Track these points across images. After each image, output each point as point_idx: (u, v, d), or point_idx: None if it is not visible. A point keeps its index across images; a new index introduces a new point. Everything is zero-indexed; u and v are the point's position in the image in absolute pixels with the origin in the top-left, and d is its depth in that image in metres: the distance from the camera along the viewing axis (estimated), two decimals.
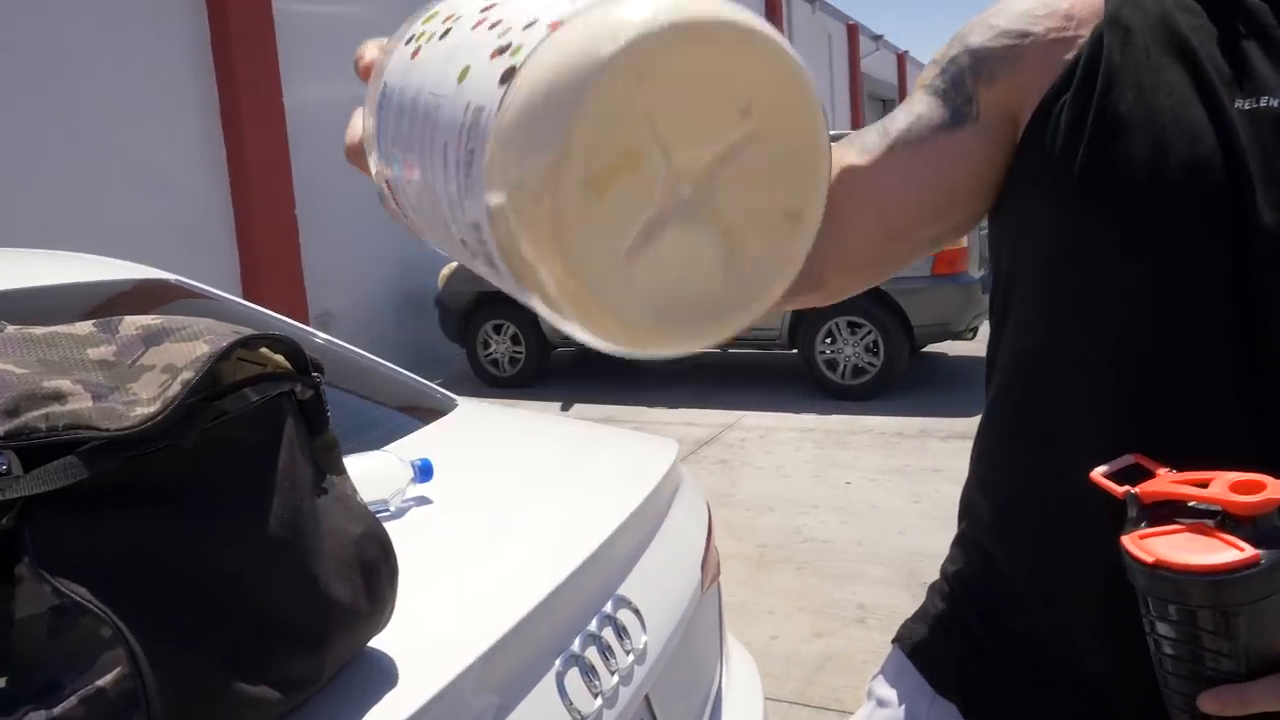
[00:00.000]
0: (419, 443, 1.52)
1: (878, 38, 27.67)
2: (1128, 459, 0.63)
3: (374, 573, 0.81)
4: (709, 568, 1.40)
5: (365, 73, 0.52)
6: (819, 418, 5.73)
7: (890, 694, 0.83)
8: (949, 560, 0.85)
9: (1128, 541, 0.57)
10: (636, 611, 1.14)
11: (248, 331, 0.78)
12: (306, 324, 7.58)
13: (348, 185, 8.12)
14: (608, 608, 1.11)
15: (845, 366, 6.09)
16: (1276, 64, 0.65)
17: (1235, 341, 0.63)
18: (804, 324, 6.10)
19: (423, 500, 1.23)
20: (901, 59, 31.72)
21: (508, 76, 0.35)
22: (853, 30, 24.93)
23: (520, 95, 0.34)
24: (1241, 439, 0.63)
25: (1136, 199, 0.65)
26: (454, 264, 7.79)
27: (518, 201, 0.35)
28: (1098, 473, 0.62)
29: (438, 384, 1.91)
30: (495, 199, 0.35)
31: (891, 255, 0.76)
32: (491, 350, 7.57)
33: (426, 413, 1.70)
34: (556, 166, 0.34)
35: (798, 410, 5.90)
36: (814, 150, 0.40)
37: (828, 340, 6.08)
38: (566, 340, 7.34)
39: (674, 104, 0.35)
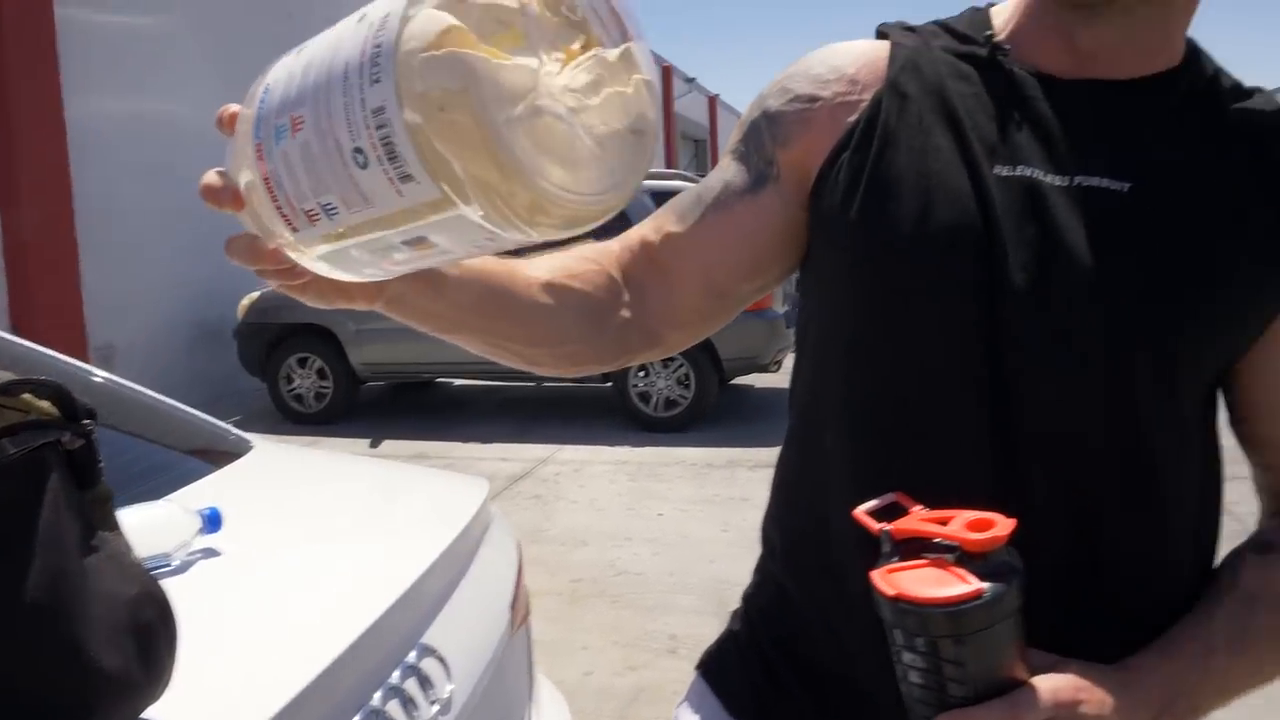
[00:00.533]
0: (210, 489, 1.43)
1: (691, 80, 28.68)
2: (890, 497, 0.67)
3: (150, 637, 0.75)
4: (519, 608, 1.39)
5: (230, 121, 0.56)
6: (633, 450, 5.81)
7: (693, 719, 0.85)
8: (748, 587, 0.89)
9: (875, 576, 0.61)
10: (441, 660, 1.11)
11: (7, 376, 0.71)
12: (85, 359, 7.02)
13: (139, 205, 7.60)
14: (411, 657, 1.07)
15: (658, 399, 6.22)
16: (1035, 134, 0.70)
17: (985, 391, 0.68)
18: None
19: (210, 552, 1.16)
20: (713, 101, 33.05)
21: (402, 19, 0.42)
22: (667, 72, 25.74)
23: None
24: (988, 482, 0.68)
25: (902, 255, 0.70)
26: (255, 294, 7.42)
27: (429, 68, 0.40)
28: (860, 510, 0.66)
29: (235, 421, 1.81)
30: (406, 63, 0.41)
31: (718, 310, 0.82)
32: (295, 385, 7.22)
33: (219, 456, 1.60)
34: (455, 33, 0.40)
35: (612, 443, 5.96)
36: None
37: (641, 373, 6.20)
38: (376, 374, 7.12)
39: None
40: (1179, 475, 0.71)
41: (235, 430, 1.71)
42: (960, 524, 0.61)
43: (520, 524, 4.54)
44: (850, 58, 0.77)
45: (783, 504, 0.83)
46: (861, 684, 0.75)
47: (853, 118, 0.74)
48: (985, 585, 0.58)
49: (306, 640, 0.97)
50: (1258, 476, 0.78)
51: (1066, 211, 0.68)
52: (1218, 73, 0.75)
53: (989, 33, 0.75)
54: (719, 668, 0.87)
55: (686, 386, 6.17)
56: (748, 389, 7.39)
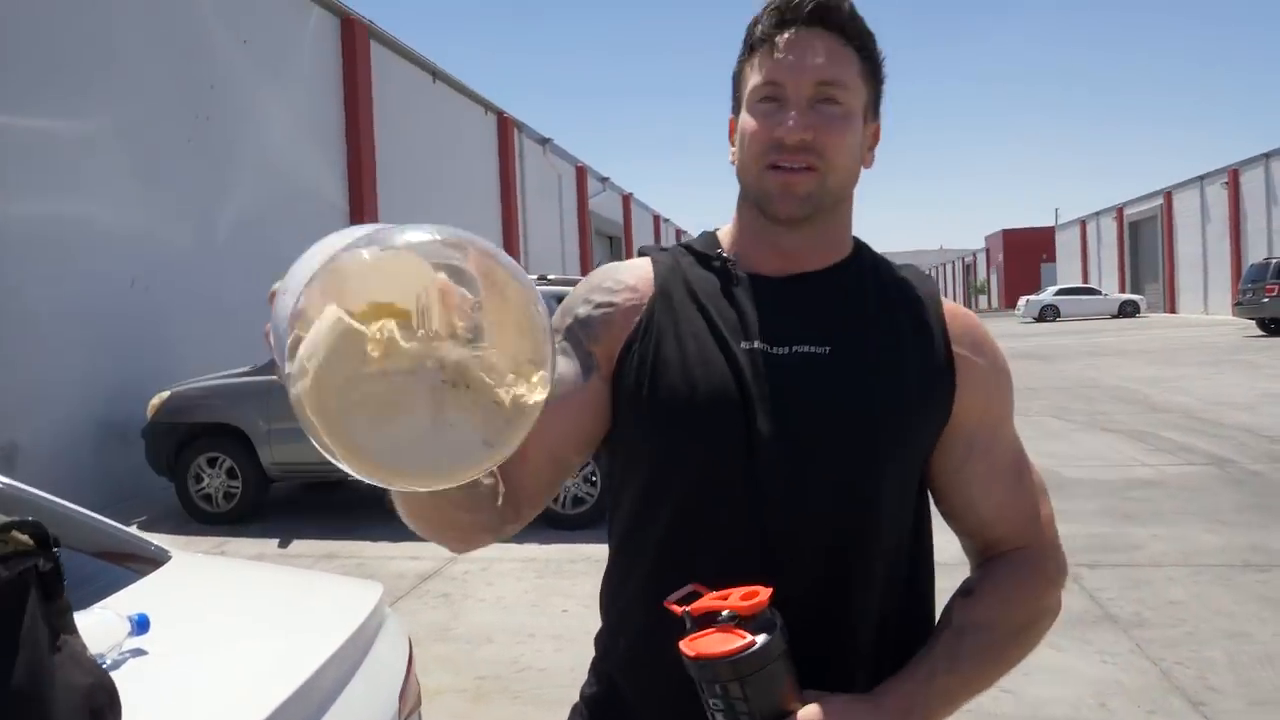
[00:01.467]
0: (136, 596, 1.62)
1: (604, 179, 29.52)
2: (689, 588, 0.90)
3: (101, 717, 0.97)
4: (407, 700, 1.60)
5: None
6: (540, 547, 5.97)
7: None
8: (585, 686, 1.12)
9: (681, 644, 0.84)
10: None
11: (2, 518, 0.94)
12: None
13: (48, 305, 7.61)
14: None
15: (565, 496, 6.41)
16: (761, 318, 0.99)
17: (748, 506, 0.95)
18: None
19: (139, 652, 1.35)
20: (627, 200, 33.94)
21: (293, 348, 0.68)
22: (581, 172, 26.52)
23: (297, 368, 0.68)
24: (756, 568, 0.93)
25: (676, 418, 0.97)
26: (165, 393, 7.43)
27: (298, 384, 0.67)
28: (669, 600, 0.89)
29: (141, 522, 1.99)
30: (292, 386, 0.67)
31: (558, 477, 1.04)
32: (204, 485, 7.20)
33: (143, 564, 1.79)
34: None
35: (520, 540, 6.10)
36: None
37: None
38: (287, 473, 7.15)
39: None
40: (895, 545, 1.00)
41: (155, 542, 1.89)
42: (736, 597, 0.85)
43: (428, 623, 4.65)
44: (629, 272, 1.06)
45: (611, 615, 1.08)
46: None
47: (638, 317, 1.02)
48: (756, 637, 0.82)
49: None
50: (962, 542, 1.08)
51: (790, 372, 0.97)
52: (876, 257, 1.08)
53: (719, 250, 1.06)
54: None
55: (593, 484, 6.39)
56: None
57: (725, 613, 0.84)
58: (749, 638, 0.82)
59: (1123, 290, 43.47)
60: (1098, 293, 40.96)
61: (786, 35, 0.98)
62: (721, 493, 0.97)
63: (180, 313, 9.21)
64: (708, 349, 0.98)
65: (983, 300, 72.45)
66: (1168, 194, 39.61)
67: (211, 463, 7.19)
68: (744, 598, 0.84)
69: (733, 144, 1.04)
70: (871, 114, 1.03)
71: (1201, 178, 36.67)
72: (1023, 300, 41.69)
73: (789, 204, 0.98)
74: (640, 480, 1.02)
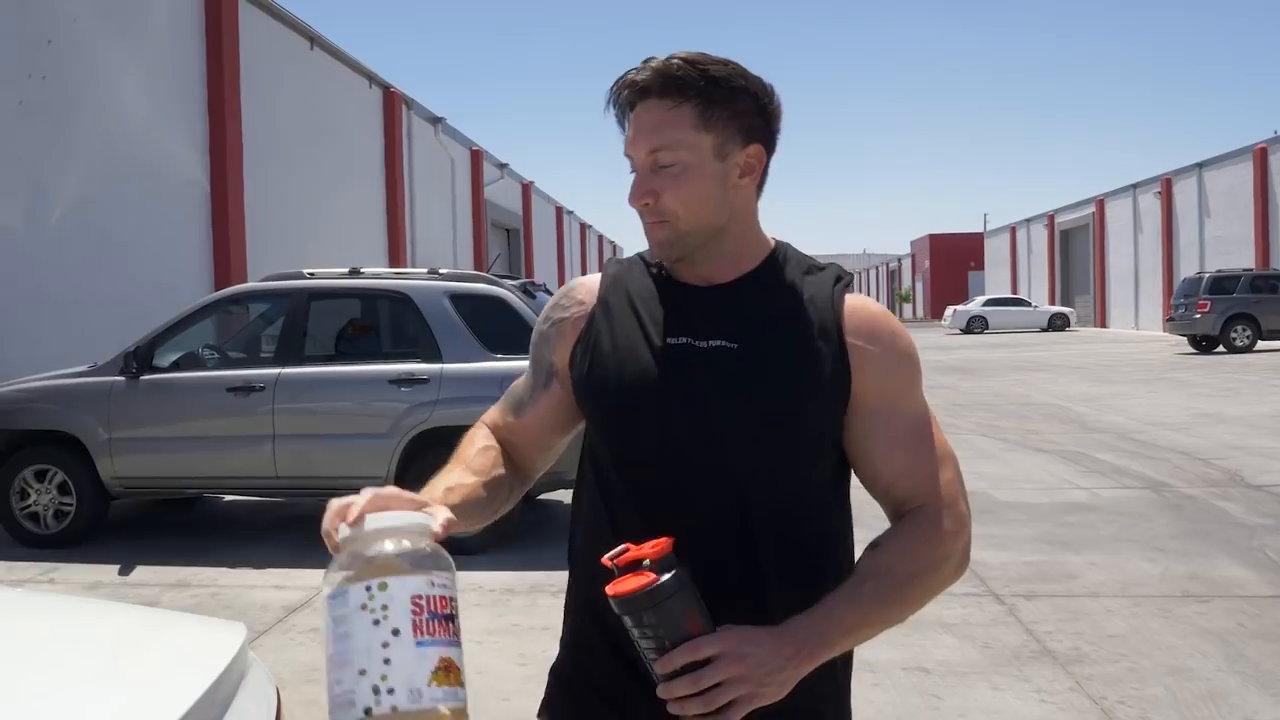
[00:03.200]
0: None
1: (503, 165, 29.32)
2: (624, 546, 1.14)
3: None
4: None
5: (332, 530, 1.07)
6: None
7: None
8: (563, 634, 1.43)
9: (608, 589, 1.11)
10: None
11: None
12: None
13: None
14: None
15: None
16: (687, 319, 1.30)
17: (669, 476, 1.26)
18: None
19: None
20: (527, 188, 33.76)
21: (367, 712, 0.94)
22: (477, 156, 26.25)
23: None
24: (683, 528, 1.18)
25: (605, 399, 1.31)
26: None
27: None
28: (605, 557, 1.13)
29: None
30: None
31: (551, 456, 1.47)
32: (30, 502, 6.79)
33: None
34: None
35: None
36: None
37: None
38: (130, 488, 6.81)
39: None
40: (813, 512, 1.31)
41: None
42: (648, 547, 1.12)
43: (295, 661, 4.45)
44: (580, 286, 1.42)
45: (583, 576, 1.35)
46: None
47: (583, 324, 1.37)
48: (660, 576, 1.09)
49: None
50: (881, 505, 1.34)
51: (708, 362, 1.28)
52: (794, 260, 1.36)
53: (659, 261, 1.36)
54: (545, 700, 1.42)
55: None
56: (556, 505, 7.54)
57: (640, 562, 1.11)
58: (654, 576, 1.09)
59: (1053, 302, 45.31)
60: (1027, 304, 42.58)
61: (630, 114, 1.27)
62: (652, 466, 1.27)
63: (5, 303, 8.71)
64: (636, 344, 1.31)
65: (907, 309, 74.55)
66: (1100, 201, 41.48)
67: (40, 476, 6.80)
68: (652, 547, 1.11)
69: None
70: (735, 143, 1.26)
71: (1134, 186, 38.51)
72: (950, 310, 43.07)
73: (660, 250, 1.30)
74: (586, 455, 1.38)
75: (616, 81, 1.27)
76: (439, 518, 1.05)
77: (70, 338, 8.89)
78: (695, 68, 1.22)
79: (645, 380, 1.27)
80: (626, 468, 1.29)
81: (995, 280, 57.18)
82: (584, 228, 49.51)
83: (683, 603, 1.09)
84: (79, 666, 1.46)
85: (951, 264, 65.70)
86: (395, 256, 19.37)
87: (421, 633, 0.96)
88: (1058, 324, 40.09)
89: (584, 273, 1.57)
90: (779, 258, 1.35)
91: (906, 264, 77.96)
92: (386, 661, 0.94)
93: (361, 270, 7.25)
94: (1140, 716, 3.62)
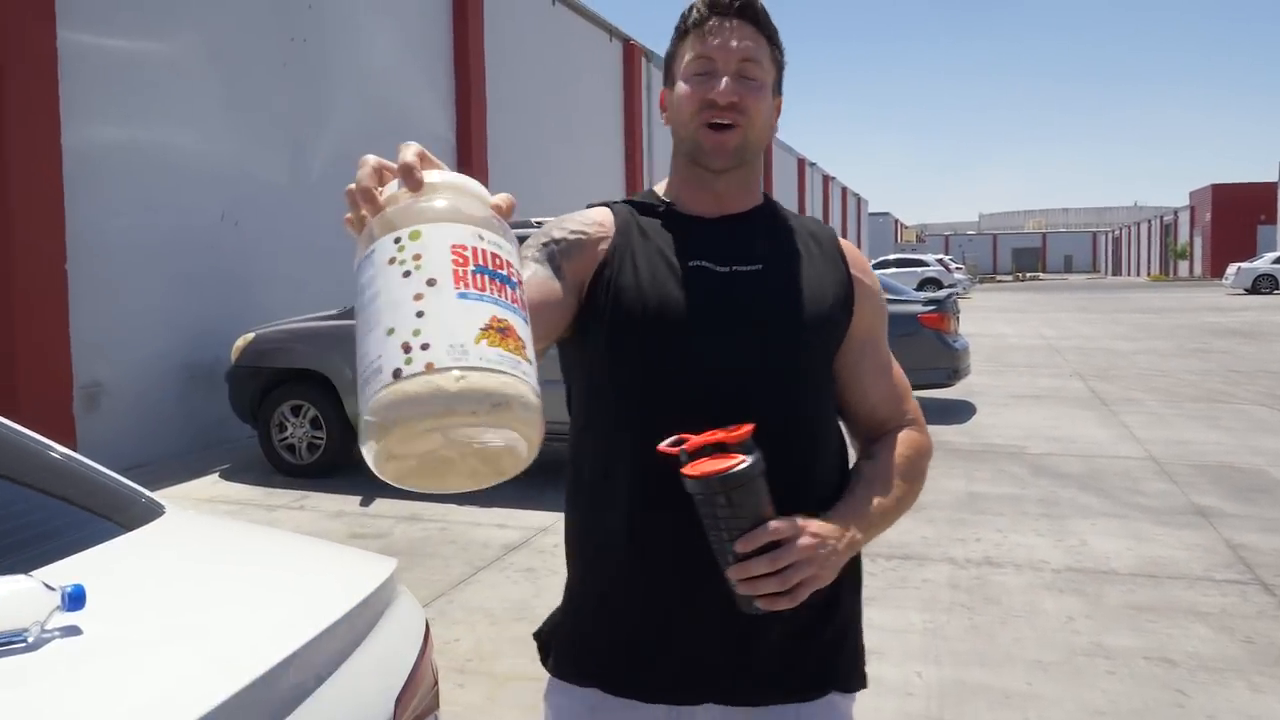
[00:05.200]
0: (101, 559, 1.51)
1: None
2: (675, 438, 1.15)
3: None
4: (407, 702, 1.43)
5: (358, 197, 0.85)
6: None
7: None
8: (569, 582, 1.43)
9: (685, 470, 1.12)
10: None
11: None
12: (69, 396, 7.21)
13: (132, 239, 7.87)
14: None
15: None
16: (703, 246, 1.35)
17: (703, 383, 1.29)
18: None
19: (71, 630, 1.22)
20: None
21: (396, 374, 0.72)
22: None
23: (391, 391, 0.72)
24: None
25: (638, 321, 1.31)
26: (250, 335, 7.60)
27: (371, 428, 0.73)
28: (662, 445, 1.16)
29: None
30: (367, 417, 0.74)
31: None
32: (287, 434, 7.35)
33: (126, 520, 1.68)
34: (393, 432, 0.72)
35: None
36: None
37: None
38: None
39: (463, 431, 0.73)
40: (824, 420, 1.39)
41: (147, 493, 1.79)
42: (723, 433, 1.13)
43: (506, 598, 4.57)
44: (597, 214, 1.40)
45: (590, 509, 1.39)
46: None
47: (604, 246, 1.36)
48: (744, 457, 1.11)
49: None
50: (852, 432, 1.45)
51: (729, 285, 1.34)
52: (779, 205, 1.48)
53: (660, 198, 1.43)
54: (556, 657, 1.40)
55: None
56: None
57: (712, 445, 1.13)
58: (739, 457, 1.11)
59: None
60: None
61: (714, 22, 1.33)
62: (673, 386, 1.29)
63: (271, 250, 9.43)
64: (659, 271, 1.33)
65: (1183, 266, 68.38)
66: None
67: (296, 411, 7.32)
68: (727, 433, 1.13)
69: (664, 110, 1.42)
70: (776, 90, 1.39)
71: None
72: (1232, 268, 38.90)
73: (722, 157, 1.34)
74: (604, 376, 1.35)
75: None
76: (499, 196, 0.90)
77: (329, 284, 9.52)
78: (769, 17, 1.37)
79: (670, 303, 1.31)
80: (671, 391, 1.29)
81: None
82: (827, 180, 48.43)
83: (761, 488, 1.13)
84: (219, 591, 1.48)
85: (1237, 217, 59.48)
86: None
87: (465, 284, 0.75)
88: None
89: None
90: (772, 199, 1.48)
91: (1184, 217, 71.35)
92: (420, 315, 0.74)
93: None
94: None
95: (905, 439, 1.43)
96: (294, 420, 7.34)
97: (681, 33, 1.38)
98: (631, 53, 19.86)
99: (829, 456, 1.39)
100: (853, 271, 1.43)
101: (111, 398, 7.71)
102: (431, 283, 0.75)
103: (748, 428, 1.13)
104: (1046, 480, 6.80)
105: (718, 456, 1.12)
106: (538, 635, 1.45)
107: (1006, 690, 3.48)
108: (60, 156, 7.17)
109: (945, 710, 3.33)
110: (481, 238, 0.79)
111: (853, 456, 1.47)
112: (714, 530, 1.13)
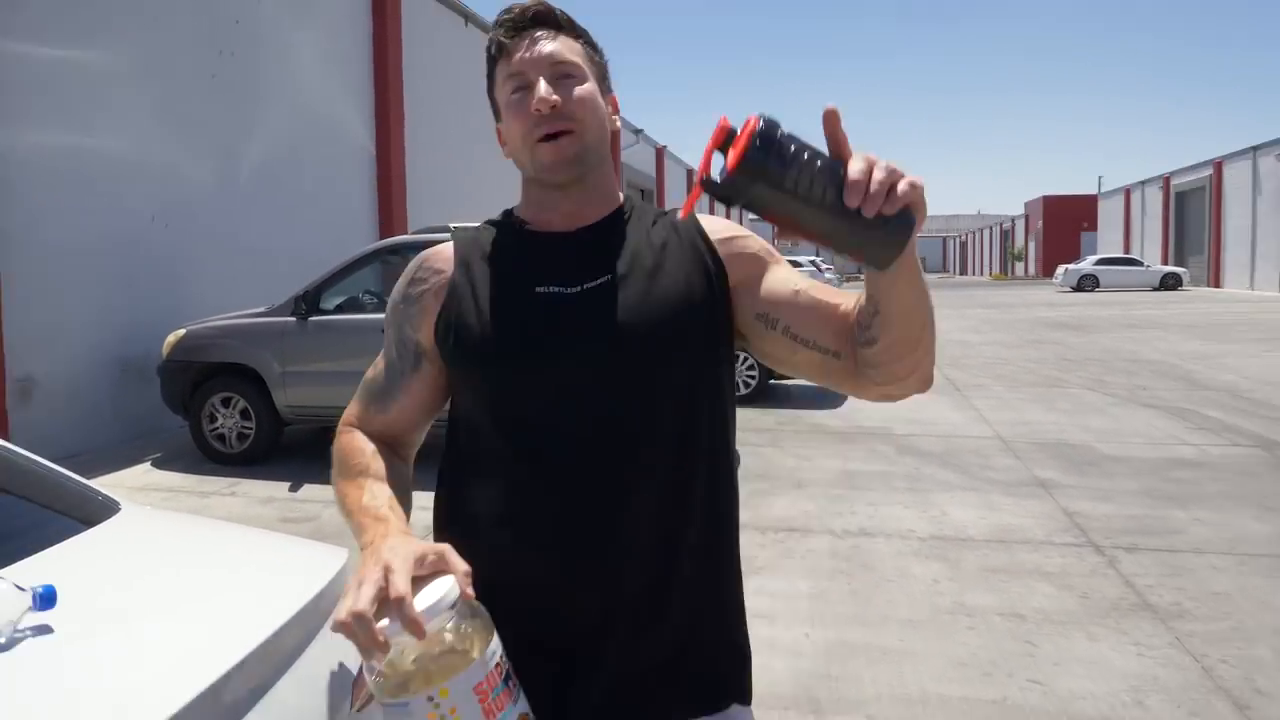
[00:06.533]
0: (62, 557, 1.43)
1: (638, 131, 29.08)
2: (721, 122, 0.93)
3: None
4: (361, 688, 1.40)
5: (362, 640, 0.90)
6: None
7: None
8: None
9: (730, 157, 0.90)
10: None
11: None
12: (1, 390, 6.82)
13: (67, 238, 7.48)
14: None
15: None
16: (554, 266, 1.19)
17: (556, 399, 1.14)
18: None
19: (43, 629, 1.16)
20: (660, 153, 33.48)
21: None
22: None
23: None
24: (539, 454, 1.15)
25: (472, 355, 1.18)
26: (181, 331, 7.33)
27: None
28: (722, 119, 0.93)
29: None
30: None
31: (420, 438, 1.34)
32: (218, 424, 7.12)
33: (83, 519, 1.60)
34: None
35: None
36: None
37: None
38: (301, 416, 7.04)
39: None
40: (695, 435, 1.17)
41: (103, 492, 1.70)
42: (716, 134, 0.92)
43: None
44: (434, 255, 1.26)
45: (454, 506, 1.27)
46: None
47: (444, 290, 1.23)
48: (758, 118, 0.90)
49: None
50: (817, 361, 1.19)
51: (581, 307, 1.16)
52: (639, 205, 1.30)
53: (516, 217, 1.28)
54: None
55: None
56: None
57: (721, 143, 0.93)
58: (755, 119, 0.90)
59: (1165, 262, 42.47)
60: (1139, 264, 39.91)
61: (515, 40, 1.20)
62: (529, 400, 1.15)
63: (200, 250, 9.08)
64: (503, 300, 1.19)
65: (1019, 267, 71.24)
66: (1218, 164, 38.47)
67: (225, 403, 7.11)
68: (716, 131, 0.93)
69: (502, 144, 1.25)
70: (606, 86, 1.25)
71: (1255, 148, 35.54)
72: (1061, 269, 40.74)
73: (564, 167, 1.19)
74: (465, 409, 1.23)
75: (505, 12, 1.22)
76: (459, 570, 0.95)
77: (257, 282, 9.22)
78: (573, 20, 1.24)
79: (509, 332, 1.16)
80: (518, 424, 1.15)
81: (1108, 242, 53.95)
82: (690, 171, 48.81)
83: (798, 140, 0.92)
84: (185, 585, 1.42)
85: (1064, 225, 62.25)
86: None
87: (494, 714, 0.90)
88: (1170, 283, 37.52)
89: None
90: (628, 200, 1.31)
91: (1020, 224, 74.31)
92: None
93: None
94: (1244, 677, 3.28)
95: None
96: (224, 411, 7.11)
97: (492, 63, 1.23)
98: None
99: (706, 471, 1.19)
100: (714, 242, 1.23)
101: (45, 392, 7.33)
102: None
103: (750, 119, 0.92)
104: (911, 458, 7.01)
105: (735, 137, 0.92)
106: None
107: (884, 647, 3.58)
108: None
109: (831, 667, 3.41)
110: (485, 663, 0.90)
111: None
112: (803, 196, 0.90)
